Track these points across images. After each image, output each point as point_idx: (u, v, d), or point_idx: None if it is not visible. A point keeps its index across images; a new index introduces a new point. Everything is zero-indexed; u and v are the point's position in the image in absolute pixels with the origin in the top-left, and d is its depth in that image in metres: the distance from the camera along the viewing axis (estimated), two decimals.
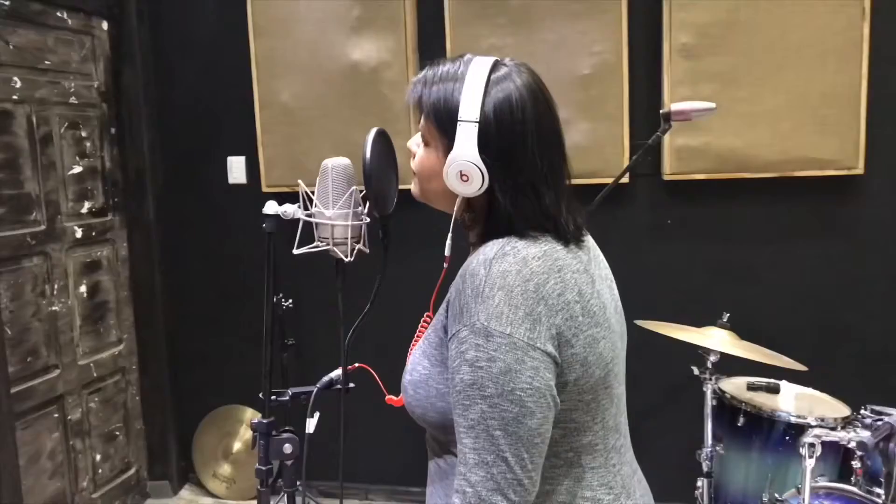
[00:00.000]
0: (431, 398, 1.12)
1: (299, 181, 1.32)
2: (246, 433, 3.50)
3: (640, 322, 2.44)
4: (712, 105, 2.30)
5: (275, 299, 3.01)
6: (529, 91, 1.11)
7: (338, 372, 1.41)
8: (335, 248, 1.27)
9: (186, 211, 3.47)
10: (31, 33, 2.90)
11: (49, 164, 2.99)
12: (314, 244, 1.29)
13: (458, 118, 1.09)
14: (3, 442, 2.64)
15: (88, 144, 3.21)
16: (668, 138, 2.88)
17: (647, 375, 3.06)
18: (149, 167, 3.40)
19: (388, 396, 1.34)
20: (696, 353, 2.43)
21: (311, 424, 1.38)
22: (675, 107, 2.31)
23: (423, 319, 1.26)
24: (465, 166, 1.09)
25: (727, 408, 2.47)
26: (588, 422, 1.11)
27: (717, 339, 2.35)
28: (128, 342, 3.45)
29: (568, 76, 2.92)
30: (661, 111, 2.34)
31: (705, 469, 2.44)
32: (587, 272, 1.13)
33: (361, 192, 1.30)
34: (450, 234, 1.17)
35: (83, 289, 3.18)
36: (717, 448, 2.44)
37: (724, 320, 2.42)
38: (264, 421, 1.38)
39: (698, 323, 2.48)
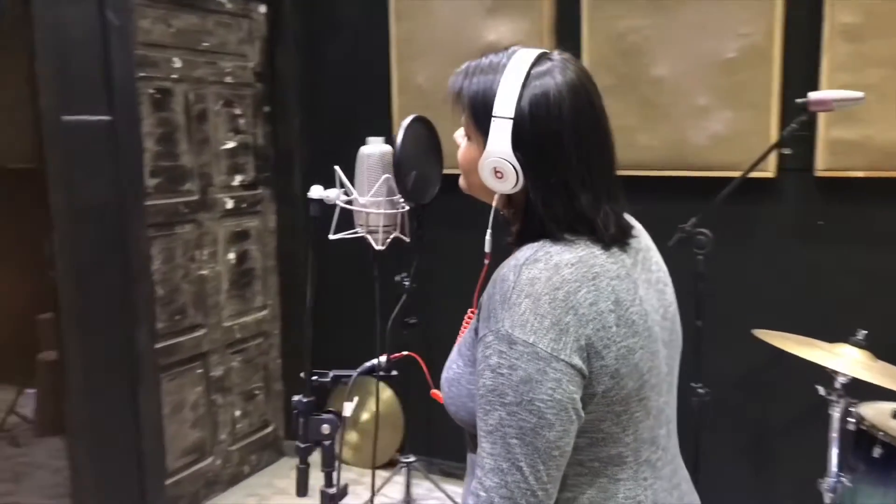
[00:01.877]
0: (462, 397, 1.11)
1: (336, 167, 1.33)
2: (372, 404, 3.62)
3: (759, 332, 2.24)
4: (859, 95, 2.06)
5: (397, 278, 3.07)
6: (570, 88, 1.05)
7: (382, 358, 1.42)
8: (369, 236, 1.27)
9: (331, 187, 3.61)
10: (192, 17, 3.14)
11: (203, 139, 3.23)
12: (352, 230, 1.30)
13: (493, 113, 1.05)
14: (148, 391, 2.91)
15: (242, 121, 3.43)
16: (822, 130, 2.60)
17: (767, 389, 2.82)
18: (297, 144, 3.58)
19: (433, 390, 1.33)
20: (826, 371, 2.19)
21: (348, 408, 1.41)
22: (814, 96, 2.10)
23: (466, 315, 1.24)
24: (498, 163, 1.06)
25: (863, 435, 2.21)
26: (618, 433, 1.06)
27: (846, 360, 2.10)
28: (272, 308, 3.68)
29: (710, 60, 2.71)
30: (797, 101, 2.12)
31: (828, 501, 2.20)
32: (629, 277, 1.07)
33: None
34: (488, 230, 1.15)
35: (231, 256, 3.42)
36: (844, 479, 2.20)
37: (860, 338, 2.15)
38: (304, 400, 1.41)
39: (832, 338, 2.23)
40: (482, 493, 1.00)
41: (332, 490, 1.43)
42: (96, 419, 2.71)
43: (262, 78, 3.51)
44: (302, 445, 1.42)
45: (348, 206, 1.28)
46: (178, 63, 3.07)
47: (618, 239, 1.09)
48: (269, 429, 3.72)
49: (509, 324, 0.98)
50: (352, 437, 3.69)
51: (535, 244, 1.05)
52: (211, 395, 3.36)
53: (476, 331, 1.08)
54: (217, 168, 3.31)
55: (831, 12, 2.54)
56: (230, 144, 3.37)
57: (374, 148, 1.27)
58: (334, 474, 1.43)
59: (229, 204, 3.37)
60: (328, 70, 3.54)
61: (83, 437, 2.68)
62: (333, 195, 1.31)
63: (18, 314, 3.15)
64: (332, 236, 1.31)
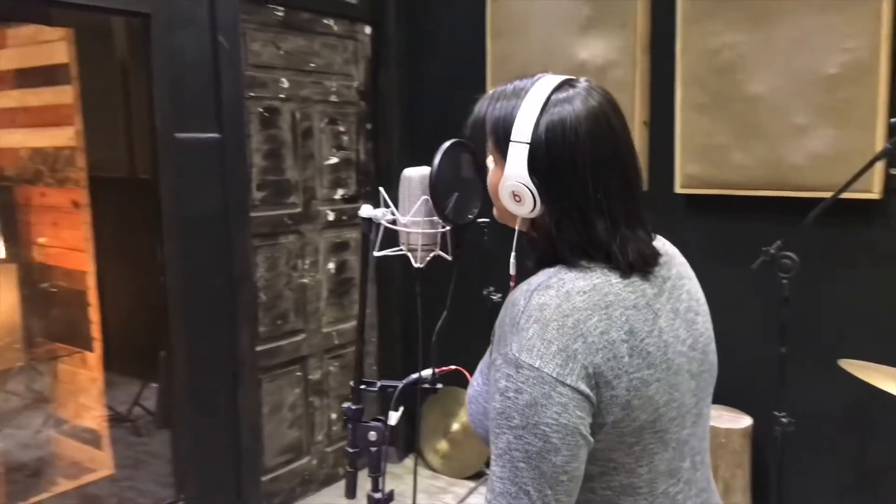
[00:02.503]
0: (480, 415, 1.13)
1: (380, 188, 1.40)
2: (463, 415, 3.68)
3: (846, 363, 2.12)
4: None
5: (485, 292, 3.12)
6: (590, 115, 1.06)
7: (428, 371, 1.48)
8: (409, 254, 1.33)
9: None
10: (299, 39, 3.33)
11: (308, 154, 3.41)
12: (397, 248, 1.37)
13: (511, 138, 1.08)
14: (248, 390, 3.10)
15: (345, 138, 3.59)
16: None
17: (862, 422, 2.65)
18: (397, 160, 3.71)
19: None
20: None
21: (393, 417, 1.46)
22: None
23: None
24: (516, 186, 1.08)
25: None
26: (630, 464, 1.05)
27: None
28: (369, 317, 3.81)
29: (810, 76, 2.60)
30: (890, 120, 2.01)
31: None
32: (648, 307, 1.06)
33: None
34: (512, 253, 1.17)
35: (331, 266, 3.58)
36: None
37: None
38: (353, 407, 1.49)
39: None
40: None
41: (378, 495, 1.49)
42: (199, 415, 2.91)
43: (365, 96, 3.66)
44: (350, 450, 1.49)
45: (391, 226, 1.35)
46: (285, 83, 3.27)
47: (638, 267, 1.07)
48: None
49: (517, 348, 1.00)
50: (442, 446, 3.76)
51: (551, 269, 1.06)
52: (309, 397, 3.53)
53: (491, 352, 1.10)
54: (320, 182, 3.49)
55: None
56: (333, 160, 3.54)
57: (416, 171, 1.33)
58: (380, 480, 1.49)
59: (331, 216, 3.54)
60: (428, 87, 3.65)
61: (186, 431, 2.89)
62: (380, 214, 1.38)
63: (146, 313, 3.43)
64: (376, 253, 1.38)
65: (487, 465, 3.59)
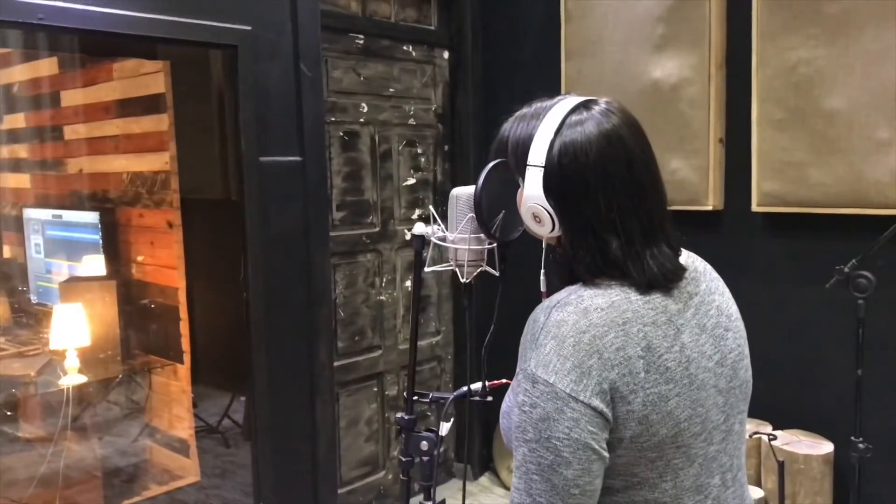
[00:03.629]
0: (510, 430, 1.17)
1: (430, 206, 1.46)
2: None
3: None
4: None
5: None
6: (601, 136, 1.08)
7: (477, 385, 1.52)
8: (457, 269, 1.38)
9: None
10: (379, 66, 3.45)
11: (387, 175, 3.52)
12: (445, 264, 1.42)
13: (528, 161, 1.11)
14: (325, 404, 3.21)
15: (423, 160, 3.69)
16: None
17: None
18: (473, 180, 3.77)
19: None
20: None
21: (444, 428, 1.51)
22: None
23: None
24: (534, 208, 1.11)
25: None
26: (654, 479, 1.06)
27: None
28: (445, 334, 3.88)
29: (892, 90, 2.52)
30: None
31: None
32: (670, 323, 1.07)
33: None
34: (542, 270, 1.21)
35: (408, 284, 3.67)
36: None
37: None
38: (406, 417, 1.55)
39: None
40: None
41: (430, 503, 1.54)
42: (278, 426, 3.03)
43: (442, 118, 3.75)
44: (403, 459, 1.54)
45: (440, 243, 1.40)
46: (365, 107, 3.39)
47: (658, 283, 1.08)
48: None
49: (534, 363, 1.03)
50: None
51: (572, 287, 1.09)
52: (385, 412, 3.61)
53: None
54: (398, 202, 3.59)
55: None
56: (411, 181, 3.64)
57: (464, 189, 1.38)
58: (432, 489, 1.53)
59: (408, 235, 3.63)
60: (503, 109, 3.67)
61: (266, 441, 3.01)
62: (430, 231, 1.44)
63: (231, 327, 3.60)
64: (427, 269, 1.44)
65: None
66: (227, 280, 3.22)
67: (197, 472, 3.40)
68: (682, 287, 1.12)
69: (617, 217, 1.08)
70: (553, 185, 1.09)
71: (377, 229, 3.50)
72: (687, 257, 1.17)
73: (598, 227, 1.08)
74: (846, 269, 2.15)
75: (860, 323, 2.16)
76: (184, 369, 3.36)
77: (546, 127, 1.11)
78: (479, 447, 3.93)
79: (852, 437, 2.21)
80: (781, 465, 2.44)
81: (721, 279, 1.21)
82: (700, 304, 1.13)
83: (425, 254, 1.48)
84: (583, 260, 1.09)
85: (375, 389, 3.56)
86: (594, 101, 1.13)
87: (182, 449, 3.50)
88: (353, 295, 3.42)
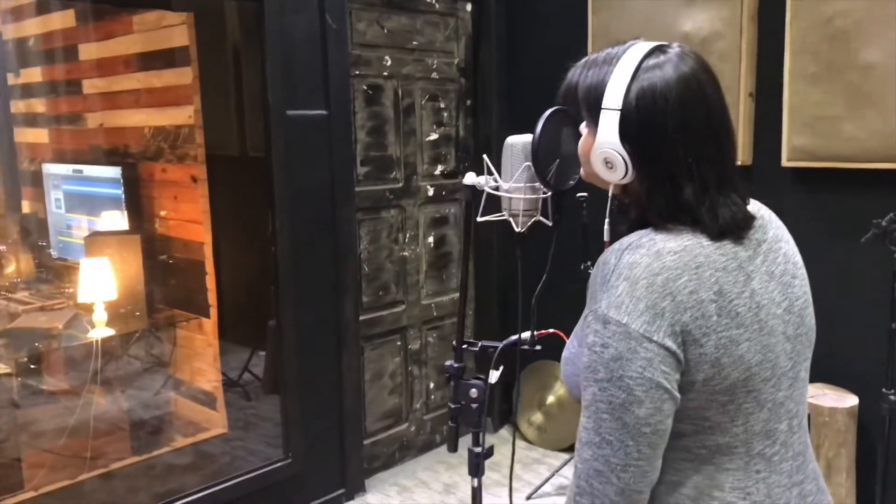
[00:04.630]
0: (575, 376, 1.17)
1: (484, 156, 1.45)
2: (560, 388, 3.72)
3: None
4: None
5: (583, 266, 3.14)
6: (680, 80, 1.07)
7: (526, 334, 1.53)
8: (511, 219, 1.38)
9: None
10: (402, 18, 3.41)
11: (410, 130, 3.50)
12: (499, 213, 1.42)
13: (603, 105, 1.10)
14: (350, 357, 3.24)
15: (445, 115, 3.66)
16: None
17: None
18: (496, 136, 3.75)
19: None
20: None
21: (494, 376, 1.53)
22: None
23: None
24: (608, 154, 1.10)
25: None
26: (725, 423, 1.08)
27: None
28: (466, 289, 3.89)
29: None
30: None
31: None
32: (740, 269, 1.08)
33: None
34: (606, 219, 1.20)
35: (431, 239, 3.67)
36: None
37: None
38: (455, 365, 1.56)
39: None
40: (580, 465, 1.07)
41: (479, 449, 1.56)
42: (306, 379, 3.07)
43: (465, 73, 3.72)
44: (452, 406, 1.56)
45: (494, 192, 1.40)
46: (388, 61, 3.36)
47: (729, 231, 1.08)
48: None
49: (606, 304, 1.03)
50: (537, 418, 3.81)
51: (642, 231, 1.09)
52: (408, 366, 3.64)
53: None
54: (421, 158, 3.57)
55: None
56: (433, 136, 3.62)
57: (519, 138, 1.37)
58: (480, 435, 1.56)
59: (430, 191, 3.62)
60: (528, 63, 3.67)
61: (294, 394, 3.05)
62: (483, 181, 1.44)
63: (255, 284, 3.62)
64: (479, 219, 1.44)
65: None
66: (254, 235, 3.23)
67: (224, 425, 3.45)
68: (750, 235, 1.12)
69: (693, 163, 1.07)
70: (630, 129, 1.08)
71: (400, 185, 3.49)
72: (753, 205, 1.17)
73: (675, 172, 1.07)
74: (883, 223, 2.15)
75: (895, 276, 2.16)
76: (210, 323, 3.38)
77: (621, 71, 1.09)
78: (499, 401, 3.97)
79: (883, 389, 2.23)
80: (808, 417, 2.46)
81: (785, 227, 1.21)
82: (768, 252, 1.13)
83: (474, 202, 1.47)
84: (657, 205, 1.09)
85: (399, 344, 3.59)
86: (668, 46, 1.12)
87: (208, 402, 3.54)
88: (376, 250, 3.42)
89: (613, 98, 1.09)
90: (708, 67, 1.12)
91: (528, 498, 3.30)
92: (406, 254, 3.55)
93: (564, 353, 1.24)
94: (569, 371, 1.20)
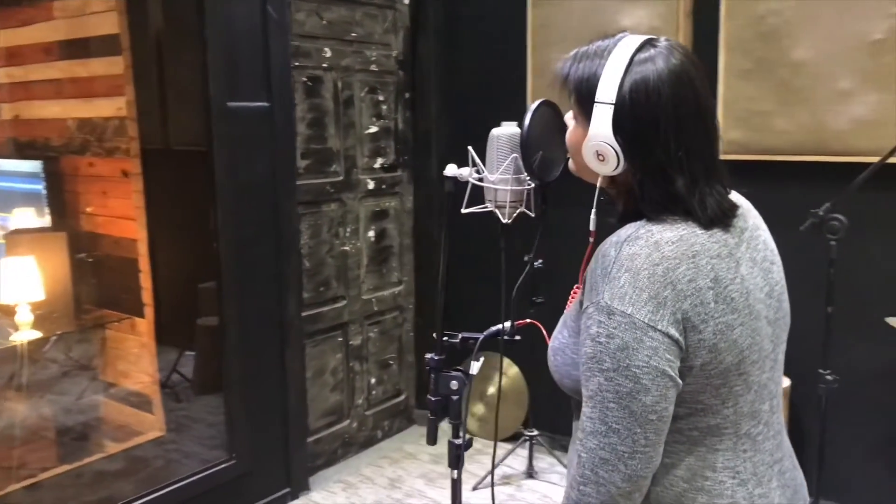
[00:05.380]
0: (567, 366, 1.19)
1: (469, 147, 1.45)
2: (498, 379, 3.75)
3: (891, 321, 2.18)
4: None
5: (525, 258, 3.17)
6: (672, 74, 1.09)
7: (507, 324, 1.54)
8: (497, 210, 1.39)
9: (463, 167, 3.76)
10: (342, 9, 3.36)
11: (349, 123, 3.46)
12: (482, 205, 1.42)
13: (596, 98, 1.11)
14: (294, 354, 3.18)
15: (384, 107, 3.64)
16: None
17: None
18: (435, 129, 3.75)
19: None
20: None
21: (474, 367, 1.53)
22: None
23: (572, 292, 1.33)
24: (600, 146, 1.12)
25: None
26: (717, 405, 1.11)
27: None
28: (407, 284, 3.88)
29: (854, 42, 2.63)
30: None
31: None
32: (731, 256, 1.11)
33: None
34: (593, 210, 1.21)
35: (371, 234, 3.64)
36: None
37: None
38: (436, 357, 1.56)
39: None
40: (583, 455, 1.08)
41: (459, 441, 1.56)
42: (249, 377, 3.00)
43: (403, 66, 3.70)
44: (433, 399, 1.55)
45: (479, 183, 1.40)
46: (328, 53, 3.31)
47: (718, 220, 1.11)
48: (402, 397, 3.94)
49: (609, 296, 1.05)
50: (478, 409, 3.84)
51: (637, 223, 1.11)
52: (350, 362, 3.61)
53: (581, 303, 1.15)
54: (360, 151, 3.54)
55: None
56: (373, 129, 3.59)
57: (504, 129, 1.38)
58: (461, 427, 1.56)
59: (370, 185, 3.59)
60: (466, 56, 3.68)
61: (238, 393, 2.98)
62: (466, 173, 1.43)
63: (184, 283, 3.51)
64: (463, 210, 1.43)
65: (525, 425, 3.68)
66: (194, 230, 3.13)
67: (162, 427, 3.33)
68: (735, 223, 1.16)
69: (684, 156, 1.10)
70: (624, 123, 1.10)
71: (341, 178, 3.45)
72: (733, 195, 1.21)
73: (667, 165, 1.10)
74: (821, 213, 2.27)
75: (831, 263, 2.28)
76: (144, 323, 3.26)
77: (614, 64, 1.10)
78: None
79: (820, 370, 2.36)
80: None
81: (760, 216, 1.26)
82: (750, 239, 1.18)
83: (451, 191, 1.47)
84: (651, 197, 1.11)
85: (340, 340, 3.55)
86: (657, 39, 1.14)
87: (143, 404, 3.42)
88: (317, 245, 3.37)
89: (607, 91, 1.10)
90: (696, 61, 1.15)
91: (475, 489, 3.32)
92: (347, 248, 3.51)
93: (553, 344, 1.25)
94: (559, 361, 1.22)
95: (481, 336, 1.54)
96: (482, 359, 1.54)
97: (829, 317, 2.32)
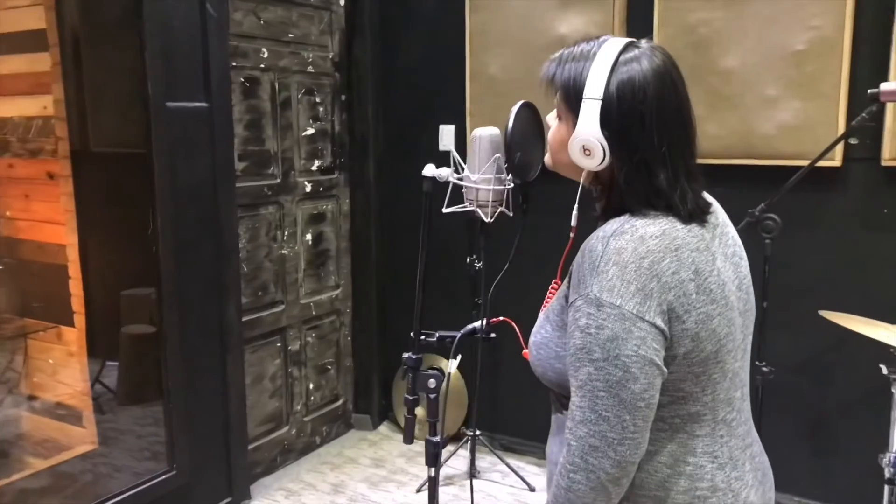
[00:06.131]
0: (550, 359, 1.23)
1: (451, 148, 1.47)
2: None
3: (824, 313, 2.33)
4: None
5: (468, 260, 3.22)
6: (656, 74, 1.15)
7: (481, 322, 1.56)
8: (478, 210, 1.41)
9: (402, 173, 3.78)
10: (279, 9, 3.32)
11: (287, 125, 3.41)
12: (463, 205, 1.44)
13: (584, 95, 1.16)
14: (234, 361, 3.11)
15: (321, 109, 3.61)
16: (889, 121, 2.66)
17: (836, 370, 2.90)
18: (372, 132, 3.75)
19: (524, 350, 1.48)
20: (889, 352, 2.28)
21: (452, 365, 1.55)
22: (886, 86, 2.17)
23: (551, 286, 1.37)
24: (587, 141, 1.16)
25: None
26: (697, 392, 1.16)
27: None
28: (344, 287, 3.86)
29: (780, 52, 2.79)
30: (868, 91, 2.20)
31: (887, 475, 2.29)
32: (708, 250, 1.17)
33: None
34: (576, 205, 1.25)
35: (309, 237, 3.60)
36: None
37: None
38: (413, 356, 1.57)
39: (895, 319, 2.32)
40: (573, 443, 1.12)
41: (437, 439, 1.58)
42: (189, 385, 2.91)
43: (339, 68, 3.68)
44: (410, 397, 1.56)
45: (460, 183, 1.42)
46: (265, 53, 3.26)
47: (696, 215, 1.18)
48: (339, 402, 3.91)
49: (597, 289, 1.09)
50: (418, 412, 3.84)
51: (622, 218, 1.16)
52: (288, 367, 3.55)
53: (566, 297, 1.19)
54: (298, 153, 3.50)
55: None
56: (310, 131, 3.55)
57: (485, 130, 1.41)
58: (438, 425, 1.57)
59: (308, 187, 3.55)
60: (403, 60, 3.69)
61: (179, 402, 2.89)
62: (445, 174, 1.45)
63: (106, 291, 3.37)
64: (445, 210, 1.45)
65: (465, 425, 3.70)
66: (131, 235, 3.01)
67: (94, 441, 3.19)
68: (709, 219, 1.23)
69: (666, 151, 1.15)
70: (611, 119, 1.15)
71: (278, 181, 3.40)
72: (704, 194, 1.27)
73: (650, 160, 1.15)
74: (756, 213, 2.39)
75: (766, 260, 2.41)
76: (74, 332, 3.12)
77: (600, 64, 1.16)
78: (377, 396, 3.97)
79: (756, 362, 2.48)
80: None
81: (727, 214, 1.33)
82: (721, 235, 1.24)
83: (429, 191, 1.48)
84: (636, 191, 1.16)
85: (279, 345, 3.49)
86: (638, 42, 1.21)
87: (71, 417, 3.27)
88: (255, 249, 3.31)
89: (594, 89, 1.15)
90: (675, 63, 1.21)
91: (418, 491, 3.33)
92: (285, 252, 3.47)
93: (534, 339, 1.28)
94: (542, 355, 1.25)
95: (458, 334, 1.56)
96: (459, 357, 1.56)
97: (765, 311, 2.44)
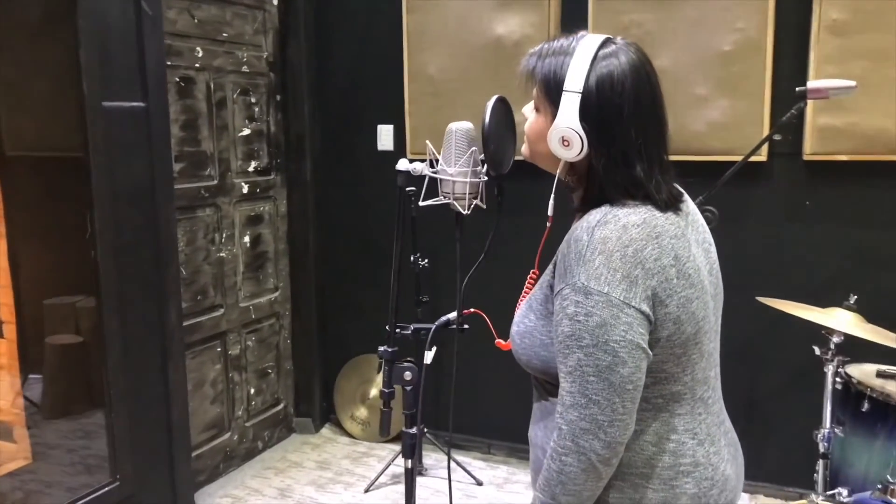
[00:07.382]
0: (535, 347, 1.26)
1: (427, 142, 1.49)
2: (380, 381, 3.77)
3: (762, 299, 2.46)
4: (852, 83, 2.27)
5: (412, 258, 3.23)
6: (632, 68, 1.21)
7: (454, 314, 1.59)
8: (455, 202, 1.44)
9: (339, 174, 3.76)
10: (212, 8, 3.26)
11: (223, 125, 3.35)
12: (438, 198, 1.46)
13: (564, 88, 1.21)
14: (175, 367, 3.03)
15: (257, 109, 3.56)
16: (810, 117, 2.83)
17: (770, 353, 3.05)
18: (308, 132, 3.72)
19: (497, 340, 1.51)
20: (820, 334, 2.42)
21: (428, 356, 1.57)
22: (812, 84, 2.30)
23: (529, 276, 1.41)
24: (566, 132, 1.21)
25: (852, 392, 2.45)
26: (678, 373, 1.22)
27: (840, 320, 2.33)
28: (283, 290, 3.81)
29: (708, 53, 2.93)
30: (796, 89, 2.33)
31: (822, 450, 2.44)
32: (684, 237, 1.23)
33: (481, 153, 1.45)
34: (552, 195, 1.30)
35: (247, 239, 3.55)
36: (836, 430, 2.43)
37: (851, 302, 2.39)
38: (389, 349, 1.58)
39: (825, 304, 2.47)
40: (564, 427, 1.16)
41: (413, 430, 1.60)
42: (130, 393, 2.83)
43: (274, 67, 3.64)
44: (386, 390, 1.58)
45: (435, 176, 1.45)
46: (200, 52, 3.19)
47: (671, 204, 1.24)
48: (281, 406, 3.86)
49: (585, 277, 1.14)
50: (361, 413, 3.84)
51: (603, 208, 1.21)
52: (229, 372, 3.49)
53: (551, 287, 1.23)
54: (234, 154, 3.44)
55: (819, 9, 2.77)
56: (246, 131, 3.50)
57: (460, 125, 1.43)
58: (416, 416, 1.59)
59: (245, 189, 3.50)
60: (339, 60, 3.68)
61: (121, 411, 2.80)
62: (420, 168, 1.47)
63: (29, 301, 3.23)
64: (422, 203, 1.47)
65: (410, 425, 3.71)
66: (67, 240, 2.90)
67: (27, 455, 3.05)
68: (681, 207, 1.29)
69: (643, 143, 1.21)
70: (590, 110, 1.20)
71: (215, 182, 3.34)
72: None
73: (628, 151, 1.20)
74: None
75: None
76: (4, 343, 2.97)
77: (579, 59, 1.21)
78: (319, 399, 3.94)
79: None
80: None
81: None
82: (693, 223, 1.31)
83: (403, 186, 1.50)
84: (614, 181, 1.21)
85: (219, 350, 3.43)
86: (614, 39, 1.26)
87: (2, 432, 3.11)
88: (193, 252, 3.24)
89: (574, 82, 1.20)
90: (649, 59, 1.28)
91: (367, 491, 3.33)
92: (223, 255, 3.40)
93: (517, 329, 1.32)
94: (526, 344, 1.29)
95: (433, 326, 1.58)
96: (434, 349, 1.58)
97: None
